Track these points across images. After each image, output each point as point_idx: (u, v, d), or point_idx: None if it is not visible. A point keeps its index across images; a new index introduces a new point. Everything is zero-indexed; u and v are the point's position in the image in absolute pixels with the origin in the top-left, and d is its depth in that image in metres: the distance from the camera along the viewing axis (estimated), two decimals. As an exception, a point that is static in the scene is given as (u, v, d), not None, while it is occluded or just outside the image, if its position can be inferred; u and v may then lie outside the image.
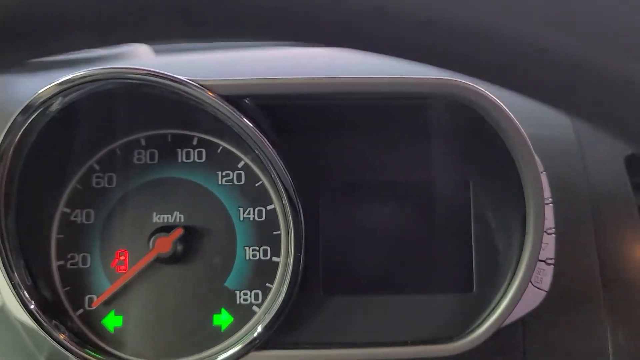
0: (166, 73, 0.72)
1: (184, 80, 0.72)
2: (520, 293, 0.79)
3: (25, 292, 0.77)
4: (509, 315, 0.79)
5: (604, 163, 1.09)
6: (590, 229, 1.03)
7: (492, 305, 0.80)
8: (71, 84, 0.73)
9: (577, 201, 1.03)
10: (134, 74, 0.72)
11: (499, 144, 0.79)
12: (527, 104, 0.83)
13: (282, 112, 0.80)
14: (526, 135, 0.75)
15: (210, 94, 0.72)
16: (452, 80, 0.74)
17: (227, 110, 0.73)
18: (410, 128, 0.87)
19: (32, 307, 0.77)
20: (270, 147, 0.75)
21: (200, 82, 0.72)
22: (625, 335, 0.98)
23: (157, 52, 1.31)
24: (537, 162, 0.78)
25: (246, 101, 0.75)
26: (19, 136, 0.76)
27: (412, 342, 0.82)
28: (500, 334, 0.82)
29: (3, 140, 0.75)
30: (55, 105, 0.76)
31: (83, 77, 0.72)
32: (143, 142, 0.86)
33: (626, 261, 1.02)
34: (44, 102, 0.74)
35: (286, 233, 0.84)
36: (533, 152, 0.75)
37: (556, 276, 0.85)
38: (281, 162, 0.76)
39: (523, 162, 0.76)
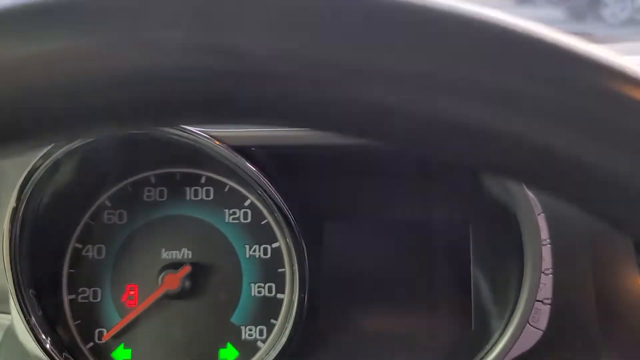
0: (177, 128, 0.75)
1: (194, 132, 0.75)
2: (518, 332, 0.81)
3: (42, 333, 0.79)
4: (507, 354, 0.82)
5: None
6: (587, 267, 1.04)
7: (490, 345, 0.83)
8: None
9: (575, 239, 1.05)
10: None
11: (495, 193, 0.82)
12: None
13: (288, 157, 0.82)
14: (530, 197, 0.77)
15: (218, 143, 0.75)
16: None
17: (234, 159, 0.75)
18: (412, 169, 0.89)
19: (47, 346, 0.79)
20: (274, 190, 0.78)
21: (210, 134, 0.75)
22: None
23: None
24: (535, 204, 0.80)
25: (253, 149, 0.78)
26: (31, 189, 0.79)
27: (413, 379, 0.84)
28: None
29: (18, 196, 0.78)
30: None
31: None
32: (153, 180, 0.89)
33: (624, 299, 1.04)
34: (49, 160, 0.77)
35: (291, 270, 0.87)
36: (530, 198, 0.77)
37: (552, 315, 0.87)
38: (284, 204, 0.79)
39: (519, 208, 0.78)
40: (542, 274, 0.83)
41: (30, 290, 0.82)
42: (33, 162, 0.78)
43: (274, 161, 0.83)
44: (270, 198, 0.79)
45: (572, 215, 1.05)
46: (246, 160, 0.77)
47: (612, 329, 1.02)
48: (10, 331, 1.47)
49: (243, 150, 0.77)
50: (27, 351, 1.48)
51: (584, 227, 1.05)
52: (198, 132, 0.75)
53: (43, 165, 0.78)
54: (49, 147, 0.76)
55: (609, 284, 1.03)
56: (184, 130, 0.75)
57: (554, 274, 0.86)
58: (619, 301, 1.02)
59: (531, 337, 0.85)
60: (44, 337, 0.79)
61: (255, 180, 0.78)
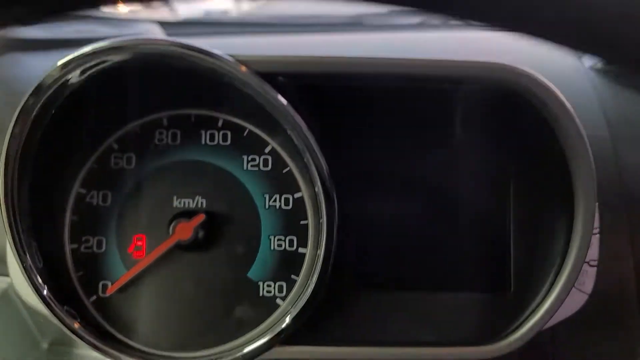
0: (198, 45, 0.67)
1: (218, 54, 0.67)
2: (564, 295, 0.74)
3: (38, 277, 0.72)
4: (550, 319, 0.75)
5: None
6: (626, 234, 0.98)
7: (532, 307, 0.75)
8: (93, 54, 0.68)
9: (612, 203, 0.99)
10: (165, 44, 0.67)
11: (545, 139, 0.74)
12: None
13: (317, 97, 0.74)
14: (584, 131, 0.69)
15: (244, 69, 0.67)
16: (510, 66, 0.68)
17: (262, 87, 0.67)
18: (451, 122, 0.82)
19: (45, 292, 0.72)
20: (305, 126, 0.70)
21: (235, 57, 0.67)
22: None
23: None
24: (593, 164, 0.72)
25: (280, 79, 0.70)
26: (34, 113, 0.70)
27: (444, 342, 0.77)
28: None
29: (17, 117, 0.70)
30: (75, 78, 0.71)
31: (105, 47, 0.67)
32: (165, 122, 0.81)
33: None
34: (64, 74, 0.69)
35: (314, 222, 0.79)
36: (589, 149, 0.70)
37: (597, 280, 0.80)
38: (315, 144, 0.71)
39: (577, 159, 0.70)
40: (591, 233, 0.75)
41: (33, 243, 0.75)
42: (25, 98, 0.70)
43: (302, 103, 0.74)
44: (300, 137, 0.70)
45: (608, 175, 0.98)
46: (274, 89, 0.68)
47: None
48: (6, 295, 1.41)
49: (270, 79, 0.68)
50: (23, 315, 1.43)
51: (619, 190, 0.99)
52: (222, 55, 0.67)
53: (38, 101, 0.70)
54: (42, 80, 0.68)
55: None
56: (207, 53, 0.67)
57: (601, 234, 0.79)
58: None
59: (576, 301, 0.78)
60: (42, 284, 0.72)
61: (284, 116, 0.70)
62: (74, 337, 0.74)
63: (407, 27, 1.51)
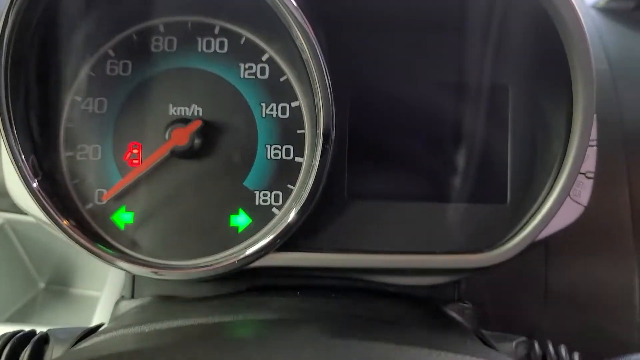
0: None
1: None
2: (559, 204, 0.74)
3: (29, 172, 0.71)
4: (545, 227, 0.75)
5: (638, 97, 1.04)
6: (622, 160, 0.98)
7: (527, 217, 0.76)
8: None
9: (608, 132, 0.99)
10: None
11: (546, 45, 0.73)
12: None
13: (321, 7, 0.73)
14: (585, 28, 0.68)
15: None
16: None
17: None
18: (449, 26, 0.81)
19: (34, 185, 0.72)
20: (310, 29, 0.69)
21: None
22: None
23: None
24: (593, 64, 0.71)
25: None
26: (22, 12, 0.69)
27: (439, 251, 0.77)
28: (531, 250, 0.77)
29: (6, 17, 0.69)
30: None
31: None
32: (161, 29, 0.80)
33: None
34: None
35: (311, 132, 0.79)
36: (590, 46, 0.69)
37: (593, 193, 0.80)
38: (320, 50, 0.70)
39: (578, 57, 0.69)
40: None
41: (30, 156, 0.74)
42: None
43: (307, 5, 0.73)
44: (303, 39, 0.69)
45: (608, 108, 0.98)
46: None
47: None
48: (2, 231, 1.41)
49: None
50: (20, 254, 1.43)
51: (618, 124, 0.99)
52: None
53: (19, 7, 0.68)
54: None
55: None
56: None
57: (598, 146, 0.79)
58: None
59: (572, 211, 0.78)
60: (32, 177, 0.71)
61: (289, 15, 0.68)
62: (66, 238, 0.73)
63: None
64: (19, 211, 0.79)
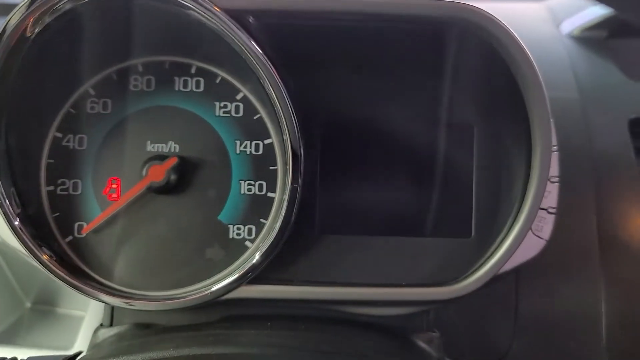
0: None
1: None
2: (520, 239, 0.77)
3: (10, 207, 0.74)
4: (507, 261, 0.78)
5: (608, 125, 1.07)
6: (590, 189, 1.01)
7: (491, 251, 0.79)
8: None
9: (578, 162, 1.02)
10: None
11: (507, 86, 0.77)
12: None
13: (286, 42, 0.76)
14: (538, 70, 0.72)
15: (216, 8, 0.69)
16: (469, 6, 0.70)
17: (231, 29, 0.70)
18: (417, 67, 0.84)
19: (16, 223, 0.74)
20: (275, 72, 0.72)
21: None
22: (618, 293, 0.98)
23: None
24: (548, 104, 0.75)
25: (250, 20, 0.72)
26: (4, 56, 0.72)
27: (406, 284, 0.80)
28: (494, 282, 0.80)
29: None
30: (37, 26, 0.72)
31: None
32: (140, 69, 0.84)
33: (625, 223, 1.01)
34: (25, 16, 0.71)
35: (283, 168, 0.82)
36: (544, 87, 0.72)
37: (554, 230, 0.83)
38: (284, 91, 0.73)
39: (533, 98, 0.73)
40: (548, 180, 0.78)
41: (11, 189, 0.77)
42: None
43: (273, 49, 0.76)
44: (269, 82, 0.72)
45: (577, 134, 1.01)
46: (245, 32, 0.70)
47: (613, 255, 1.00)
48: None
49: (240, 20, 0.70)
50: (7, 275, 1.45)
51: (587, 149, 1.02)
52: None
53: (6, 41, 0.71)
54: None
55: (611, 210, 1.00)
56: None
57: (560, 183, 0.82)
58: (623, 235, 0.99)
59: (534, 245, 0.81)
60: (14, 215, 0.74)
61: (253, 60, 0.72)
62: (45, 271, 0.76)
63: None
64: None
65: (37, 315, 1.50)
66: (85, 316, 1.25)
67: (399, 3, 0.70)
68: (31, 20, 0.71)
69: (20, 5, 0.70)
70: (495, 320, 1.01)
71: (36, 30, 0.72)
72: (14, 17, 0.70)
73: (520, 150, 0.79)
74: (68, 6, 0.71)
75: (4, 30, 0.70)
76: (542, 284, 0.99)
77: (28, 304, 1.53)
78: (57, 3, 0.70)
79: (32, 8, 0.69)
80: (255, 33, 0.73)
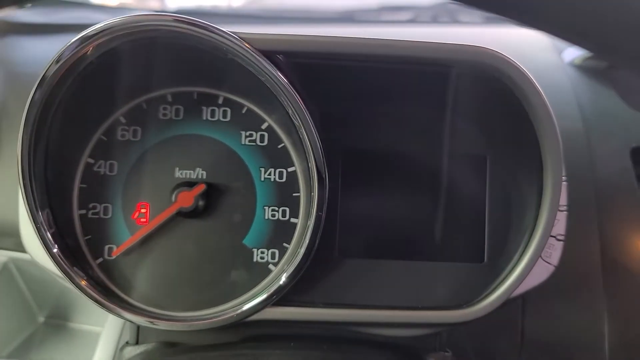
0: (207, 23, 0.73)
1: (223, 31, 0.73)
2: (531, 265, 0.81)
3: (49, 235, 0.78)
4: (518, 286, 0.82)
5: (611, 154, 1.11)
6: (594, 217, 1.06)
7: (503, 276, 0.83)
8: (104, 33, 0.74)
9: (583, 190, 1.06)
10: (175, 21, 0.73)
11: (519, 120, 0.81)
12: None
13: (311, 77, 0.81)
14: (551, 109, 0.76)
15: (248, 46, 0.73)
16: (484, 49, 0.75)
17: (263, 65, 0.74)
18: (433, 100, 0.89)
19: (55, 250, 0.78)
20: (302, 103, 0.76)
21: (238, 34, 0.73)
22: (621, 319, 1.02)
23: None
24: (560, 138, 0.79)
25: (279, 57, 0.76)
26: (52, 84, 0.76)
27: (422, 307, 0.84)
28: (505, 306, 0.84)
29: (37, 87, 0.75)
30: (88, 54, 0.76)
31: (117, 24, 0.73)
32: (169, 98, 0.88)
33: (627, 248, 1.05)
34: (76, 50, 0.75)
35: (306, 195, 0.86)
36: (557, 126, 0.77)
37: (564, 254, 0.88)
38: (310, 120, 0.77)
39: (546, 136, 0.77)
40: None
41: (46, 208, 0.81)
42: (47, 67, 0.75)
43: (300, 81, 0.81)
44: (296, 112, 0.77)
45: (580, 164, 1.06)
46: (275, 67, 0.75)
47: (616, 282, 1.04)
48: (5, 269, 1.46)
49: (270, 57, 0.75)
50: (22, 289, 1.47)
51: (590, 178, 1.06)
52: (225, 31, 0.73)
53: (58, 70, 0.75)
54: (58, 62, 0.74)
55: (614, 237, 1.04)
56: (214, 30, 0.73)
57: (569, 212, 0.87)
58: (625, 260, 1.03)
59: (543, 271, 0.86)
60: (53, 243, 0.78)
61: (282, 91, 0.76)
62: (81, 294, 0.79)
63: (397, 22, 1.57)
64: (22, 249, 0.85)
65: (50, 329, 1.53)
66: (102, 332, 1.28)
67: (421, 46, 0.75)
68: (86, 52, 0.75)
69: (83, 34, 0.74)
70: (502, 341, 1.05)
71: (85, 57, 0.76)
72: (67, 50, 0.74)
73: (531, 180, 0.83)
74: (114, 44, 0.75)
75: (59, 60, 0.74)
76: (547, 306, 1.03)
77: (42, 319, 1.55)
78: (113, 33, 0.74)
79: (85, 43, 0.73)
80: (284, 68, 0.77)
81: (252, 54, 0.74)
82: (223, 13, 1.69)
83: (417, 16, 1.55)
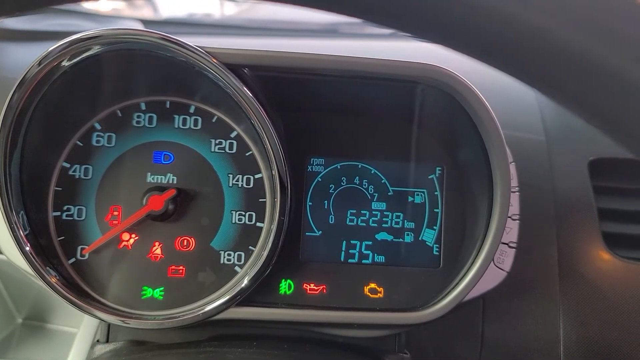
0: (177, 38, 0.77)
1: (190, 46, 0.78)
2: (483, 271, 0.86)
3: (22, 234, 0.81)
4: (471, 290, 0.86)
5: (569, 165, 1.16)
6: (552, 225, 1.10)
7: (456, 281, 0.87)
8: (81, 42, 0.78)
9: (541, 199, 1.11)
10: (147, 36, 0.77)
11: (474, 132, 0.86)
12: (502, 106, 0.90)
13: (277, 89, 0.85)
14: (498, 123, 0.81)
15: (214, 60, 0.78)
16: (433, 66, 0.80)
17: (228, 78, 0.78)
18: (396, 111, 0.93)
19: (27, 249, 0.82)
20: (265, 115, 0.81)
21: (205, 49, 0.78)
22: (577, 323, 1.06)
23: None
24: (507, 151, 0.84)
25: (245, 71, 0.81)
26: (31, 88, 0.79)
27: (380, 308, 0.88)
28: (461, 308, 0.89)
29: (16, 89, 0.79)
30: (65, 62, 0.80)
31: (93, 36, 0.77)
32: (143, 107, 0.92)
33: (583, 256, 1.10)
34: (56, 57, 0.79)
35: (271, 201, 0.90)
36: (503, 138, 0.82)
37: (517, 262, 0.92)
38: (274, 131, 0.82)
39: (494, 149, 0.82)
40: (509, 218, 0.88)
41: (21, 212, 0.84)
42: (24, 72, 0.79)
43: (265, 94, 0.85)
44: (260, 123, 0.81)
45: (540, 174, 1.11)
46: (242, 83, 0.79)
47: (571, 289, 1.08)
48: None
49: (237, 72, 0.79)
50: (2, 287, 1.50)
51: (549, 188, 1.11)
52: (192, 45, 0.78)
53: (35, 76, 0.79)
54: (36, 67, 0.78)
55: (571, 245, 1.09)
56: (183, 45, 0.77)
57: (521, 221, 0.91)
58: (581, 267, 1.08)
59: (496, 277, 0.90)
60: (25, 241, 0.81)
61: (247, 104, 0.80)
62: (52, 292, 0.83)
63: (379, 36, 1.62)
64: (-1, 252, 0.89)
65: (28, 330, 1.55)
66: (78, 332, 1.31)
67: (375, 63, 0.80)
68: (62, 58, 0.79)
69: (55, 46, 0.78)
70: (463, 342, 1.09)
71: (62, 66, 0.80)
72: (48, 57, 0.78)
73: (483, 190, 0.88)
74: (92, 52, 0.79)
75: (40, 63, 0.78)
76: (506, 309, 1.07)
77: (20, 320, 1.58)
78: (89, 44, 0.78)
79: (65, 50, 0.77)
80: (249, 81, 0.82)
81: (217, 68, 0.78)
82: (213, 23, 1.73)
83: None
